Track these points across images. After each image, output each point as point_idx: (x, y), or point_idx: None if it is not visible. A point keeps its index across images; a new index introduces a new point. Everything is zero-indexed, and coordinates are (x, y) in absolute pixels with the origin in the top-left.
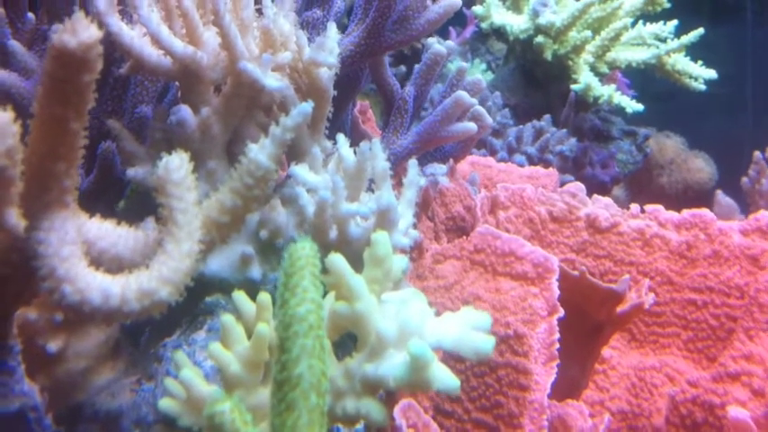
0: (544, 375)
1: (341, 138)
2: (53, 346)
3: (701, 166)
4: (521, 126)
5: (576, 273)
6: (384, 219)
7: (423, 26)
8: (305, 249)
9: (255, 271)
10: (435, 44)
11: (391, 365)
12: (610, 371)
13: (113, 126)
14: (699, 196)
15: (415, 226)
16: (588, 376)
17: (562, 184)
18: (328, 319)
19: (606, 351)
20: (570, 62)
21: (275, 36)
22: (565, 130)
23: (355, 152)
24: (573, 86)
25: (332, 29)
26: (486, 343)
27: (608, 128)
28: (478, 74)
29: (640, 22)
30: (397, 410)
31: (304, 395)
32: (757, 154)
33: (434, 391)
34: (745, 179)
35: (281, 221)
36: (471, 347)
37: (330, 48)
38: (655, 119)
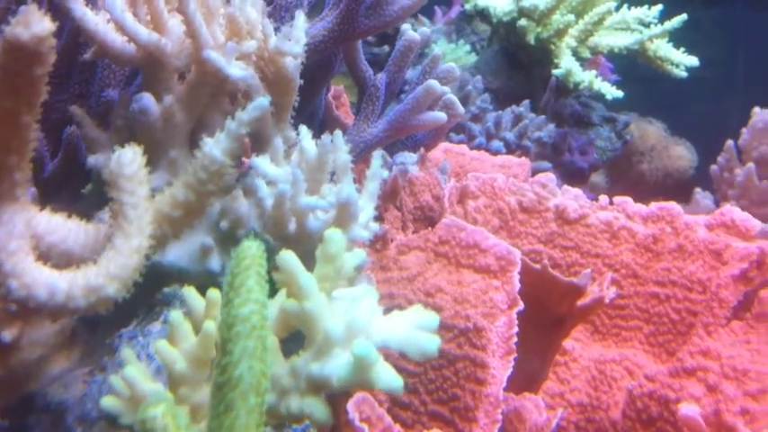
0: (501, 369)
1: (303, 129)
2: (8, 335)
3: (682, 154)
4: (500, 112)
5: (537, 266)
6: (344, 212)
7: (397, 12)
8: (251, 249)
9: (215, 262)
10: (409, 31)
11: (336, 365)
12: (571, 363)
13: (75, 112)
14: (678, 184)
15: (377, 218)
16: (548, 369)
17: (540, 170)
18: (278, 316)
19: (569, 343)
20: (552, 46)
21: (241, 24)
22: (543, 117)
23: (317, 144)
24: (554, 71)
25: (299, 17)
26: (431, 343)
27: (588, 114)
28: (463, 55)
29: (625, 6)
30: (350, 404)
31: (243, 396)
32: (729, 142)
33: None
34: (714, 167)
35: (243, 212)
36: (417, 347)
37: (297, 37)
38: (641, 103)
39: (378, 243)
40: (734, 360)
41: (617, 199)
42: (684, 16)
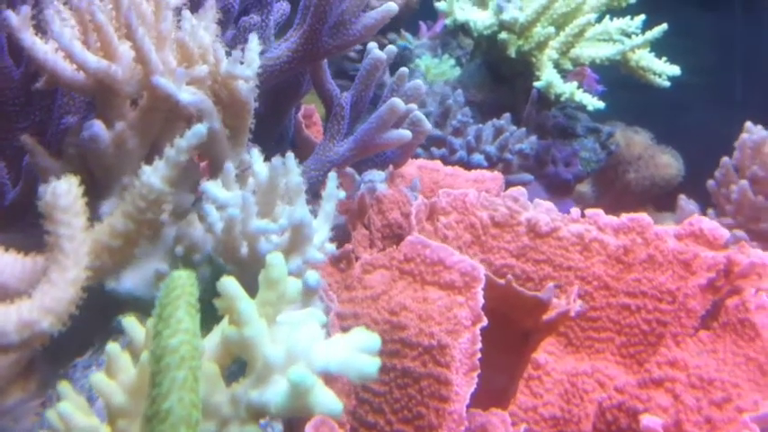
0: (464, 386)
1: (254, 152)
2: None
3: (669, 162)
4: (480, 125)
5: (502, 281)
6: (298, 234)
7: (360, 31)
8: (181, 279)
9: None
10: (374, 49)
11: (274, 392)
12: (545, 377)
13: (25, 141)
14: (665, 192)
15: (344, 238)
16: (517, 383)
17: (521, 183)
18: (220, 344)
19: (542, 357)
20: (534, 59)
21: (192, 49)
22: (524, 129)
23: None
24: (535, 84)
25: (252, 40)
26: (371, 366)
27: (573, 125)
28: (447, 69)
29: (607, 17)
30: (308, 427)
31: (173, 429)
32: (725, 159)
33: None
34: (710, 182)
35: (198, 237)
36: (356, 370)
37: (249, 60)
38: (629, 112)
39: (342, 262)
40: (700, 370)
41: (589, 211)
42: (665, 26)
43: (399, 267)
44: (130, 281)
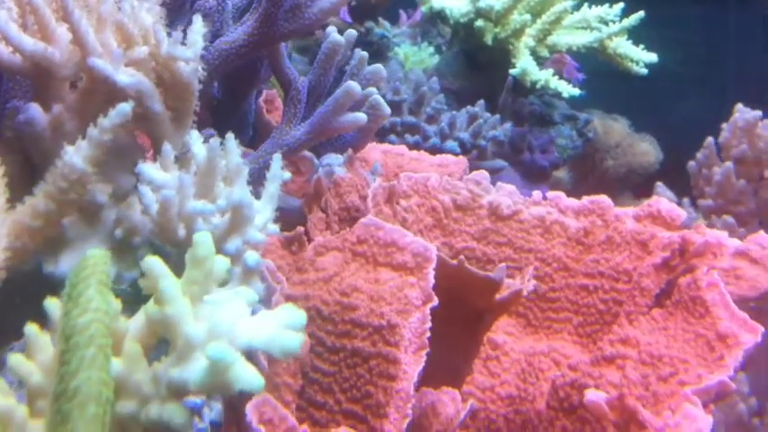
0: (413, 364)
1: (193, 134)
2: None
3: (647, 150)
4: (454, 112)
5: (454, 262)
6: (238, 215)
7: (316, 15)
8: (93, 258)
9: (109, 271)
10: (333, 33)
11: (193, 369)
12: (503, 357)
13: None
14: (643, 180)
15: (288, 223)
16: (472, 363)
17: (495, 169)
18: (144, 323)
19: (501, 337)
20: (510, 46)
21: (131, 31)
22: (498, 116)
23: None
24: (510, 71)
25: (197, 22)
26: (294, 341)
27: (550, 112)
28: (426, 57)
29: (585, 5)
30: (249, 406)
31: (80, 407)
32: (709, 139)
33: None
34: (692, 162)
35: (137, 220)
36: (280, 346)
37: (192, 41)
38: (614, 100)
39: (294, 245)
40: (651, 347)
41: (550, 194)
42: (642, 13)
43: (352, 249)
44: (68, 264)
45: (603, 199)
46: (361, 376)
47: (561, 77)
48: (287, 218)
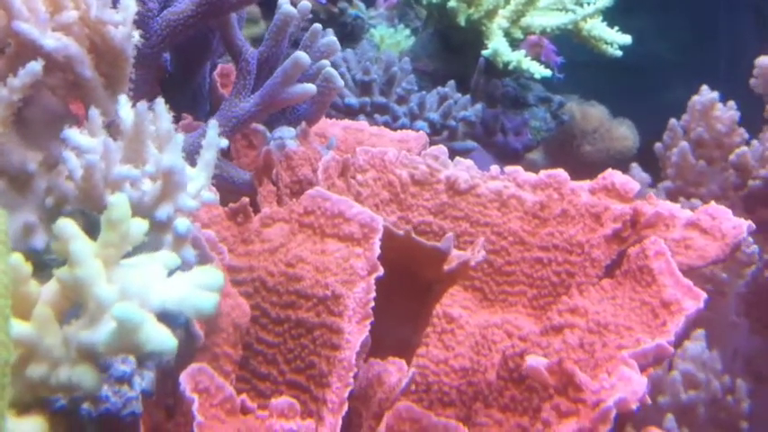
0: (356, 334)
1: (122, 98)
2: None
3: (625, 135)
4: (423, 93)
5: (401, 232)
6: (168, 181)
7: None
8: None
9: (39, 240)
10: (285, 4)
11: (103, 331)
12: (458, 330)
13: None
14: (620, 164)
15: (250, 193)
16: (422, 333)
17: (465, 150)
18: (57, 287)
19: (456, 311)
20: (483, 27)
21: None
22: (468, 96)
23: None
24: (483, 52)
25: None
26: (208, 301)
27: (524, 94)
28: (402, 39)
29: None
30: (183, 375)
31: None
32: (672, 121)
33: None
34: (658, 144)
35: (67, 188)
36: (193, 307)
37: (124, 5)
38: (599, 86)
39: (239, 216)
40: (598, 315)
41: (508, 168)
42: None
43: (299, 220)
44: None
45: (560, 173)
46: (305, 347)
47: (539, 61)
48: (238, 191)
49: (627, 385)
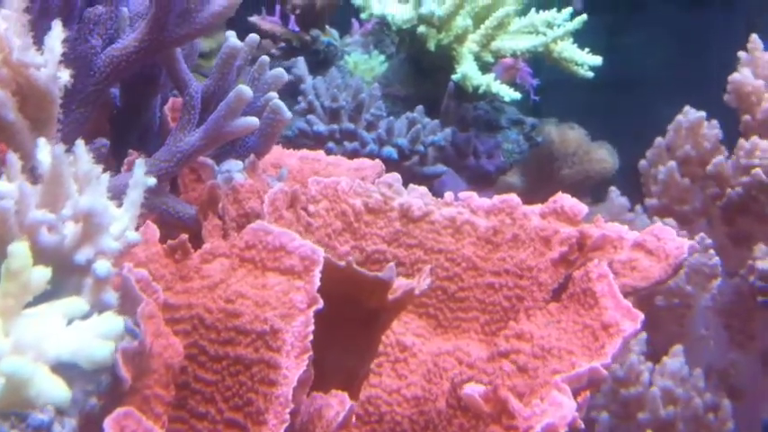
0: (293, 369)
1: (40, 141)
2: None
3: (604, 157)
4: (391, 118)
5: (342, 263)
6: (88, 224)
7: (207, 19)
8: None
9: None
10: (231, 38)
11: None
12: (411, 358)
13: None
14: (599, 186)
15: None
16: (369, 364)
17: (435, 175)
18: None
19: (410, 339)
20: (453, 52)
21: None
22: (437, 121)
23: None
24: (452, 76)
25: (56, 27)
26: (102, 350)
27: (497, 117)
28: (376, 65)
29: (533, 9)
30: (107, 420)
31: None
32: (658, 139)
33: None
34: (643, 162)
35: None
36: (87, 357)
37: (49, 47)
38: (578, 108)
39: (177, 253)
40: (543, 340)
41: (463, 194)
42: (584, 17)
43: (240, 255)
44: None
45: (512, 197)
46: (244, 384)
47: (514, 83)
48: (184, 226)
49: (557, 410)
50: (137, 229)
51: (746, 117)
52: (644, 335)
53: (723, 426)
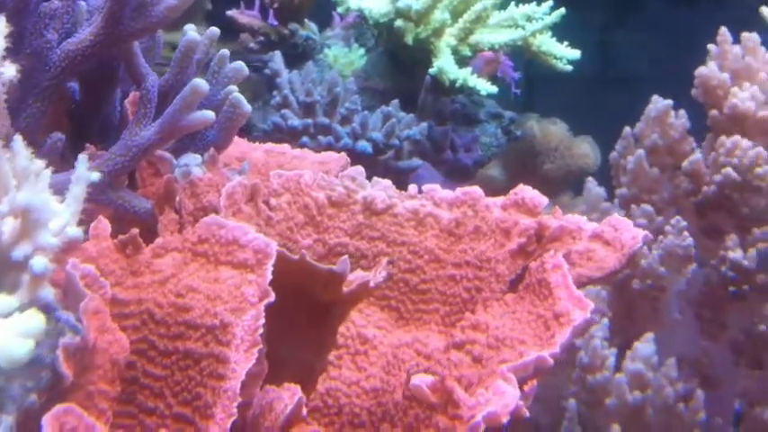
0: (242, 362)
1: None
2: None
3: (585, 152)
4: (366, 112)
5: (295, 257)
6: (26, 220)
7: (163, 12)
8: None
9: None
10: (190, 32)
11: None
12: (371, 351)
13: None
14: (580, 181)
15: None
16: (326, 357)
17: (410, 169)
18: None
19: (371, 331)
20: (431, 46)
21: None
22: (413, 115)
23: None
24: (429, 70)
25: (0, 22)
26: (19, 350)
27: (475, 111)
28: (356, 59)
29: (512, 3)
30: (46, 417)
31: None
32: (627, 129)
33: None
34: (613, 153)
35: None
36: (4, 356)
37: None
38: (562, 103)
39: (129, 247)
40: (497, 330)
41: (426, 187)
42: (563, 11)
43: (192, 249)
44: None
45: (475, 189)
46: (193, 378)
47: (495, 77)
48: (141, 221)
49: (500, 399)
50: (87, 224)
51: (713, 112)
52: (605, 320)
53: (695, 416)
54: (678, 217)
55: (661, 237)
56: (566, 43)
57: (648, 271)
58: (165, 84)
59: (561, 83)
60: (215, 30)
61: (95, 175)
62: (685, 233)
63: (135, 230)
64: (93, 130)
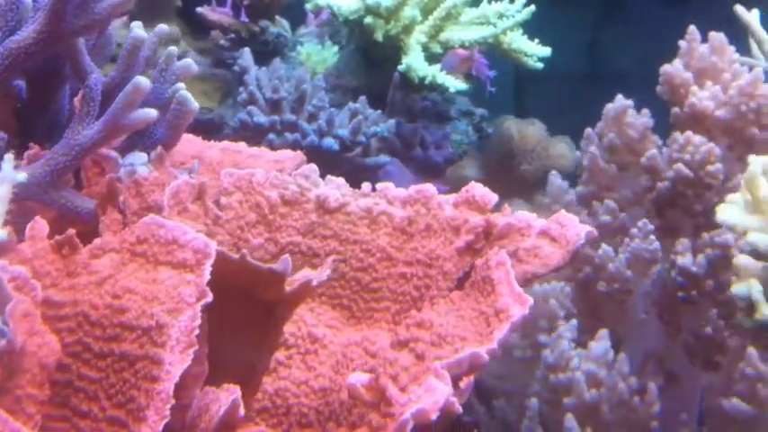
0: (177, 364)
1: None
2: None
3: (562, 152)
4: (332, 109)
5: (236, 256)
6: None
7: (106, 10)
8: None
9: None
10: (136, 29)
11: None
12: (321, 350)
13: None
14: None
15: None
16: (268, 358)
17: (377, 165)
18: None
19: (321, 330)
20: (401, 43)
21: None
22: (380, 112)
23: None
24: (398, 67)
25: None
26: None
27: (446, 108)
28: (330, 56)
29: (485, 0)
30: None
31: None
32: (588, 129)
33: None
34: (576, 152)
35: None
36: None
37: None
38: (541, 102)
39: (65, 248)
40: (441, 328)
41: (380, 185)
42: (533, 8)
43: (131, 250)
44: None
45: (428, 188)
46: (127, 381)
47: (470, 75)
48: (83, 221)
49: (431, 396)
50: (20, 224)
51: (675, 110)
52: (574, 321)
53: (649, 408)
54: (645, 220)
55: (627, 240)
56: (536, 40)
57: (616, 275)
58: (111, 82)
59: (550, 82)
60: (164, 27)
61: (22, 176)
62: (651, 237)
63: (71, 231)
64: (40, 128)
